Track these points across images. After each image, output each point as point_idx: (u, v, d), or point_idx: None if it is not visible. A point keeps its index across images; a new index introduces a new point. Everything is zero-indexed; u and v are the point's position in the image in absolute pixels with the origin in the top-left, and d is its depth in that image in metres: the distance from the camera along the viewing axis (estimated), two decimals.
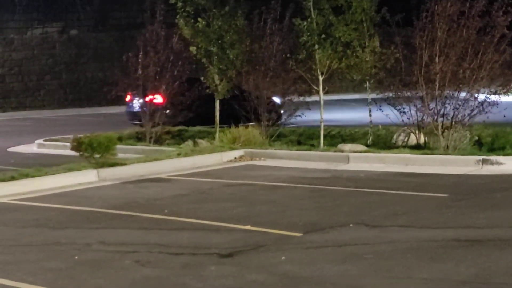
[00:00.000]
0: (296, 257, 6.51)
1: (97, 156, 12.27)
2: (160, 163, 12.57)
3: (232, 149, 14.01)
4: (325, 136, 14.90)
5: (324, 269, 6.13)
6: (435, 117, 13.09)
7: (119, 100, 18.33)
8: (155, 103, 16.51)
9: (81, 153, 12.40)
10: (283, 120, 16.56)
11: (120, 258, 6.68)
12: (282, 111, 17.54)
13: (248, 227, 7.74)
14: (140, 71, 16.38)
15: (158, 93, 16.40)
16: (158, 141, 16.12)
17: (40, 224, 8.33)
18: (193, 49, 15.66)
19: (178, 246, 7.06)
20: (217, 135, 15.63)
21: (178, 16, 15.54)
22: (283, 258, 6.47)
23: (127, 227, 8.03)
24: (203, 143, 15.20)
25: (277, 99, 18.07)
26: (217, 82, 15.69)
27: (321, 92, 14.87)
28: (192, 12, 15.50)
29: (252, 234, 7.45)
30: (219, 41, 15.39)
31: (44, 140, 17.26)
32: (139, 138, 16.62)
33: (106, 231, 7.91)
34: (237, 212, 8.67)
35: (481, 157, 11.61)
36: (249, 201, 9.47)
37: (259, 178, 11.42)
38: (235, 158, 13.65)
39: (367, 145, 13.98)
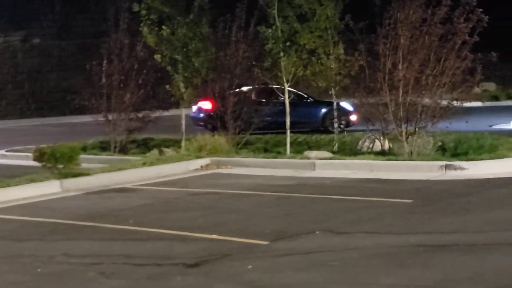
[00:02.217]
0: (262, 266, 6.48)
1: (60, 166, 12.13)
2: (125, 173, 12.46)
3: (198, 157, 13.96)
4: (291, 144, 14.93)
5: (291, 277, 6.11)
6: (399, 123, 13.19)
7: (82, 109, 18.17)
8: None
9: (43, 163, 12.25)
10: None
11: (84, 270, 6.59)
12: (353, 118, 17.72)
13: (214, 236, 7.70)
14: (104, 80, 16.26)
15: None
16: (123, 150, 16.00)
17: (2, 236, 8.18)
18: (157, 57, 15.61)
19: (143, 256, 6.99)
20: (183, 143, 15.57)
21: (142, 24, 15.48)
22: (249, 266, 6.43)
23: (91, 239, 7.92)
24: (169, 152, 15.12)
25: (347, 105, 18.25)
26: (183, 90, 15.63)
27: (286, 100, 14.91)
28: (156, 20, 15.45)
29: (219, 243, 7.41)
30: (184, 49, 15.35)
31: (6, 151, 17.03)
32: (103, 147, 16.49)
33: (69, 242, 7.80)
34: (203, 221, 8.62)
35: (444, 163, 11.72)
36: (216, 210, 9.42)
37: (225, 186, 11.39)
38: (201, 166, 13.60)
39: (333, 152, 14.05)
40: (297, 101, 17.57)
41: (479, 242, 6.95)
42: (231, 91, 15.87)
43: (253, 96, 18.66)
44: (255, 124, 16.13)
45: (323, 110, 20.07)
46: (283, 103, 15.08)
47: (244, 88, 16.93)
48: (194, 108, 18.79)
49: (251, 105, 16.73)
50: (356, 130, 16.59)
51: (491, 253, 6.52)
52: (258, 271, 6.30)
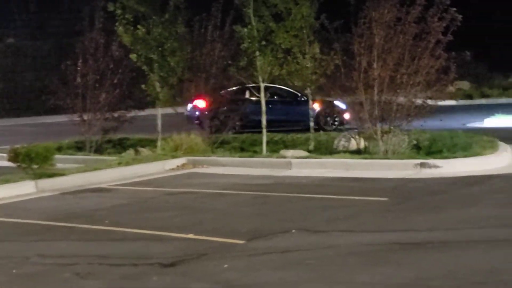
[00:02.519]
0: (239, 265, 6.49)
1: (35, 167, 12.05)
2: (101, 173, 12.40)
3: (174, 157, 13.94)
4: (267, 143, 14.96)
5: (267, 276, 6.13)
6: (374, 122, 13.27)
7: (58, 109, 18.05)
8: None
9: (18, 164, 12.16)
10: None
11: (60, 270, 6.55)
12: (347, 117, 17.78)
13: (190, 235, 7.69)
14: (79, 80, 16.16)
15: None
16: (99, 150, 15.93)
17: None
18: (133, 56, 15.56)
19: (119, 257, 6.96)
20: (159, 143, 15.53)
21: (117, 24, 15.41)
22: (226, 266, 6.44)
23: (66, 239, 7.87)
24: (144, 151, 15.07)
25: (340, 104, 18.29)
26: (158, 89, 15.59)
27: (262, 99, 14.94)
28: (132, 20, 15.39)
29: (195, 243, 7.40)
30: (160, 49, 15.32)
31: None
32: (79, 147, 16.41)
33: (44, 243, 7.75)
34: (180, 221, 8.61)
35: (419, 161, 11.82)
36: (192, 209, 9.41)
37: (201, 186, 11.38)
38: (177, 166, 13.58)
39: (309, 151, 14.10)
40: (291, 100, 17.68)
41: (453, 239, 7.02)
42: (224, 90, 16.01)
43: (246, 95, 18.91)
44: (243, 123, 16.30)
45: (317, 109, 20.11)
46: (277, 101, 15.19)
47: (235, 88, 17.10)
48: (189, 106, 18.78)
49: (242, 104, 16.91)
50: (351, 129, 16.64)
51: (465, 251, 6.59)
52: (234, 270, 6.31)
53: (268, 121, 15.42)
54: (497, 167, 11.62)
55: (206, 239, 7.51)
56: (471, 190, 9.91)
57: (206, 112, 16.84)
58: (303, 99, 20.37)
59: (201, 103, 17.52)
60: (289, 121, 16.18)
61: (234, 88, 16.28)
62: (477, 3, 33.97)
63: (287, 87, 18.13)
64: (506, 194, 9.49)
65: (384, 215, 8.42)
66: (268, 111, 15.73)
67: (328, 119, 17.46)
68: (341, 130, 17.29)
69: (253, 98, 19.01)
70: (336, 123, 20.44)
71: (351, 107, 14.08)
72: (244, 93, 19.32)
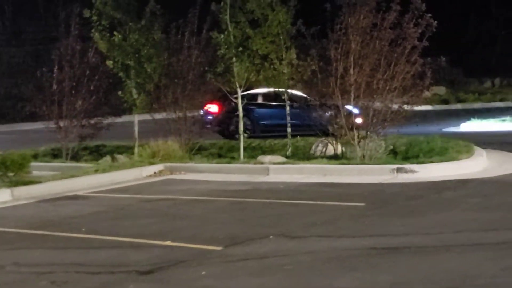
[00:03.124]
0: (216, 271, 6.48)
1: (11, 174, 11.94)
2: (77, 180, 12.32)
3: (151, 163, 13.89)
4: (245, 149, 14.96)
5: (245, 282, 6.12)
6: (351, 127, 13.32)
7: (34, 116, 17.94)
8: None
9: None
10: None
11: (36, 279, 6.49)
12: (358, 121, 17.77)
13: (168, 242, 7.66)
14: (55, 86, 16.06)
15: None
16: (75, 157, 15.83)
17: None
18: (109, 63, 15.50)
19: (96, 265, 6.91)
20: (136, 150, 15.46)
21: (93, 30, 15.35)
22: (203, 273, 6.42)
23: (42, 247, 7.81)
24: (121, 158, 15.01)
25: (352, 108, 18.27)
26: (135, 96, 15.53)
27: (239, 105, 14.94)
28: (108, 26, 15.34)
29: (172, 250, 7.38)
30: (136, 55, 15.27)
31: None
32: (55, 155, 16.30)
33: (20, 251, 7.67)
34: (157, 228, 8.57)
35: (396, 166, 11.90)
36: (169, 216, 9.38)
37: (179, 192, 11.35)
38: (154, 173, 13.54)
39: (287, 157, 14.12)
40: (303, 105, 17.61)
41: (430, 244, 7.07)
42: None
43: (259, 99, 19.03)
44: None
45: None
46: (290, 107, 15.17)
47: (252, 91, 17.21)
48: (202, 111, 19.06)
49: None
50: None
51: (441, 255, 6.63)
52: (212, 277, 6.29)
53: (280, 126, 15.56)
54: (472, 172, 11.72)
55: (184, 246, 7.49)
56: (447, 195, 9.98)
57: (218, 117, 17.23)
58: None
59: (213, 108, 17.99)
60: (303, 126, 16.20)
61: (245, 93, 16.35)
62: (452, 9, 34.30)
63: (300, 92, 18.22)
64: (482, 199, 9.57)
65: (361, 220, 8.45)
66: (280, 116, 15.84)
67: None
68: None
69: (268, 103, 19.23)
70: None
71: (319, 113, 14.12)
72: (256, 98, 19.44)
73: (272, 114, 18.53)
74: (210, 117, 18.85)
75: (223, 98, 16.34)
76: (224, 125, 18.74)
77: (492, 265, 6.15)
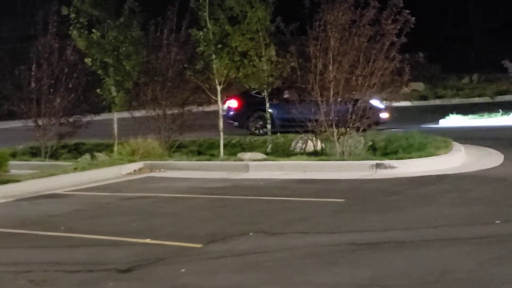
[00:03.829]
0: (196, 269, 6.48)
1: None
2: (56, 178, 12.26)
3: (131, 161, 13.85)
4: (225, 146, 14.96)
5: (224, 279, 6.12)
6: (331, 123, 13.37)
7: (12, 115, 17.81)
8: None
9: None
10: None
11: (14, 278, 6.45)
12: (384, 116, 17.77)
13: (147, 240, 7.65)
14: (33, 84, 15.95)
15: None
16: (54, 155, 15.74)
17: None
18: (88, 60, 15.42)
19: (75, 263, 6.88)
20: (115, 148, 15.40)
21: (71, 28, 15.25)
22: (183, 270, 6.42)
23: (20, 246, 7.76)
24: (101, 156, 14.95)
25: (377, 103, 18.22)
26: (114, 93, 15.47)
27: (219, 102, 14.93)
28: (86, 23, 15.25)
29: (152, 248, 7.36)
30: (115, 53, 15.20)
31: None
32: (34, 153, 16.19)
33: None
34: (137, 226, 8.55)
35: (375, 162, 11.95)
36: (149, 214, 9.36)
37: (159, 190, 11.33)
38: (134, 170, 13.50)
39: (267, 153, 14.14)
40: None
41: (408, 239, 7.11)
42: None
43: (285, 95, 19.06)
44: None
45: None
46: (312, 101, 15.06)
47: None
48: (225, 106, 19.61)
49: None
50: (386, 129, 16.71)
51: (419, 250, 6.68)
52: (191, 275, 6.29)
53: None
54: (451, 167, 11.81)
55: (163, 243, 7.48)
56: (426, 190, 10.04)
57: (240, 112, 17.55)
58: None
59: (233, 103, 18.45)
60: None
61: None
62: (430, 5, 34.46)
63: None
64: (459, 194, 9.64)
65: (340, 216, 8.48)
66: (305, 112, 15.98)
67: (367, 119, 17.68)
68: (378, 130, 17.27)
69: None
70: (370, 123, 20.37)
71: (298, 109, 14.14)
72: (278, 94, 19.48)
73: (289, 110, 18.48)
74: (231, 113, 19.75)
75: (244, 94, 16.61)
76: (243, 120, 19.69)
77: (470, 260, 6.21)
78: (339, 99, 13.37)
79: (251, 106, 19.55)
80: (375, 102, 19.53)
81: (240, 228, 8.03)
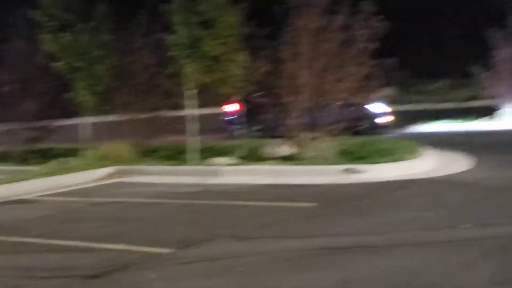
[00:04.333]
0: (167, 274, 6.45)
1: None
2: (26, 183, 12.15)
3: (102, 166, 13.78)
4: (197, 150, 14.92)
5: (196, 285, 6.11)
6: (303, 128, 13.42)
7: None
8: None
9: None
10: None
11: None
12: (383, 121, 17.64)
13: (118, 246, 7.59)
14: (3, 88, 15.80)
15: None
16: (24, 160, 15.59)
17: None
18: (59, 64, 15.29)
19: (45, 269, 6.81)
20: (86, 152, 15.29)
21: (42, 31, 15.13)
22: (153, 275, 6.39)
23: None
24: (71, 161, 14.82)
25: (378, 107, 18.14)
26: (85, 98, 15.37)
27: (191, 107, 14.89)
28: (58, 27, 15.14)
29: (122, 253, 7.32)
30: (86, 56, 15.11)
31: None
32: (3, 158, 16.01)
33: None
34: (107, 231, 8.50)
35: (346, 166, 12.03)
36: (120, 219, 9.31)
37: (130, 195, 11.28)
38: (105, 175, 13.41)
39: (239, 158, 14.13)
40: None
41: (379, 243, 7.16)
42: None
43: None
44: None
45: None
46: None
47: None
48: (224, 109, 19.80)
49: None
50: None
51: (388, 254, 6.73)
52: (162, 280, 6.27)
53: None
54: (420, 172, 11.92)
55: (134, 249, 7.44)
56: (395, 194, 10.13)
57: (238, 115, 17.48)
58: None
59: (233, 107, 18.40)
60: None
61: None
62: (400, 11, 34.76)
63: None
64: (428, 198, 9.74)
65: (312, 220, 8.52)
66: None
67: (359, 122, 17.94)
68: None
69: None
70: (361, 127, 20.44)
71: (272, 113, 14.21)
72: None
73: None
74: (230, 118, 19.65)
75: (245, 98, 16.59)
76: (245, 125, 19.45)
77: (439, 264, 6.27)
78: (320, 103, 13.48)
79: (253, 110, 19.06)
80: (376, 107, 19.71)
81: (212, 233, 8.02)
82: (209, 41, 14.27)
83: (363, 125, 20.39)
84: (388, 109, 21.35)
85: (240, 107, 19.33)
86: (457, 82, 35.70)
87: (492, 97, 25.05)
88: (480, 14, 35.50)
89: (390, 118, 20.97)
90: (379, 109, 20.67)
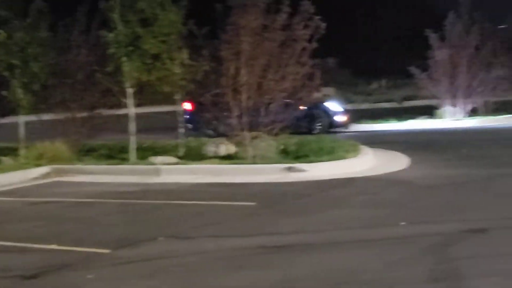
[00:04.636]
0: (104, 275, 6.34)
1: None
2: None
3: (38, 165, 13.48)
4: (136, 149, 14.73)
5: (133, 285, 6.02)
6: (243, 127, 13.40)
7: None
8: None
9: None
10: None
11: None
12: (340, 119, 17.34)
13: (54, 246, 7.43)
14: None
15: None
16: None
17: None
18: None
19: None
20: (21, 151, 14.93)
21: None
22: (90, 276, 6.26)
23: None
24: (7, 160, 14.45)
25: (334, 106, 17.81)
26: (21, 96, 15.00)
27: (130, 105, 14.70)
28: None
29: (59, 254, 7.16)
30: (22, 54, 14.76)
31: None
32: None
33: None
34: (43, 231, 8.31)
35: (286, 165, 12.06)
36: (56, 219, 9.12)
37: (67, 195, 11.06)
38: (41, 175, 13.12)
39: (179, 157, 14.02)
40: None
41: (318, 241, 7.19)
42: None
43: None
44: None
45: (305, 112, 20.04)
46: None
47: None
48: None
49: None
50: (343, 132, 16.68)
51: (328, 252, 6.76)
52: (99, 280, 6.15)
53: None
54: (359, 170, 12.04)
55: (71, 249, 7.29)
56: (335, 193, 10.20)
57: (191, 114, 17.75)
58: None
59: (187, 106, 18.06)
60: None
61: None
62: (340, 12, 35.18)
63: None
64: (367, 196, 9.84)
65: (251, 219, 8.50)
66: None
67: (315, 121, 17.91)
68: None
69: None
70: (319, 126, 20.46)
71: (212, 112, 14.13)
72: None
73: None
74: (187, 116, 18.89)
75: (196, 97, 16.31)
76: (198, 124, 19.10)
77: (377, 261, 6.32)
78: (260, 103, 13.47)
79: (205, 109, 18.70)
80: (332, 106, 19.94)
81: (150, 233, 7.92)
82: (149, 39, 14.09)
83: (320, 124, 20.65)
84: (343, 108, 21.67)
85: (193, 106, 19.09)
86: (397, 82, 36.32)
87: (431, 97, 25.58)
88: (420, 16, 36.18)
89: (346, 117, 21.29)
90: (335, 108, 20.97)
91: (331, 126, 20.94)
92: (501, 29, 27.14)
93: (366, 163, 12.64)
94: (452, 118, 23.86)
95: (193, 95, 16.01)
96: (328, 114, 20.90)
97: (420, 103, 28.72)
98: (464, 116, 24.12)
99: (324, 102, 21.17)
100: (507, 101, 25.48)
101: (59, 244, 7.48)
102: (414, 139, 18.40)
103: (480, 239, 6.88)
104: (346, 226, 7.84)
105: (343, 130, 20.96)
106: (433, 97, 25.25)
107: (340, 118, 21.19)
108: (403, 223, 7.71)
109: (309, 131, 19.76)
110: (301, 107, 19.34)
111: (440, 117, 24.11)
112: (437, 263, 6.10)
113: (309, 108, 19.62)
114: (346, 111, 21.78)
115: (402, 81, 35.06)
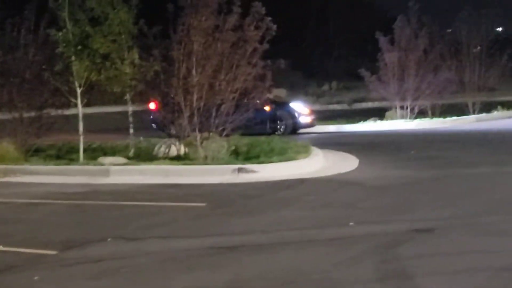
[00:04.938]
0: (50, 276, 6.24)
1: None
2: None
3: None
4: (85, 150, 14.56)
5: (80, 286, 5.94)
6: (194, 128, 13.36)
7: None
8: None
9: None
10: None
11: None
12: (305, 120, 17.01)
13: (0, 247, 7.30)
14: None
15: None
16: None
17: None
18: None
19: None
20: None
21: None
22: (36, 278, 6.16)
23: None
24: None
25: (298, 107, 17.49)
26: None
27: (79, 105, 14.51)
28: None
29: (4, 255, 7.03)
30: None
31: None
32: None
33: None
34: None
35: (237, 166, 12.05)
36: (2, 221, 8.95)
37: (13, 195, 10.86)
38: None
39: (129, 158, 13.89)
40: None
41: (267, 241, 7.20)
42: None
43: None
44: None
45: (270, 113, 19.82)
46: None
47: None
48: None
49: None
50: (309, 133, 16.57)
51: (277, 252, 6.78)
52: (45, 282, 6.05)
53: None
54: (309, 171, 12.12)
55: (16, 250, 7.16)
56: (285, 194, 10.24)
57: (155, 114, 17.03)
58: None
59: (152, 106, 17.50)
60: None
61: None
62: (291, 14, 35.40)
63: None
64: (317, 196, 9.91)
65: (201, 220, 8.48)
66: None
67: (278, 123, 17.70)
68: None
69: None
70: (282, 128, 20.22)
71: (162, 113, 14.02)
72: None
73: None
74: (151, 116, 18.50)
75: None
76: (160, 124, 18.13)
77: (326, 261, 6.37)
78: (203, 103, 13.41)
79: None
80: (297, 107, 19.88)
81: (98, 234, 7.82)
82: (99, 39, 13.93)
83: (284, 125, 20.61)
84: (308, 109, 21.66)
85: (156, 106, 18.65)
86: (347, 84, 36.70)
87: (380, 99, 25.92)
88: (369, 19, 36.62)
89: (311, 118, 21.28)
90: (300, 109, 20.94)
91: (295, 128, 20.84)
92: (449, 33, 27.69)
93: (316, 164, 12.72)
94: (401, 120, 24.22)
95: (147, 96, 15.83)
96: (292, 115, 20.79)
97: (370, 105, 29.08)
98: (412, 118, 24.51)
99: (288, 103, 21.04)
100: (454, 104, 26.00)
101: (4, 245, 7.35)
102: (364, 140, 18.61)
103: (427, 239, 6.98)
104: (295, 227, 7.87)
105: (308, 131, 20.87)
106: (383, 99, 25.59)
107: (304, 120, 21.19)
108: (352, 223, 7.78)
109: (273, 133, 19.69)
110: (266, 108, 19.44)
111: (390, 119, 24.44)
112: (384, 262, 6.17)
113: (273, 109, 19.73)
114: (311, 112, 21.71)
115: (353, 84, 35.48)
